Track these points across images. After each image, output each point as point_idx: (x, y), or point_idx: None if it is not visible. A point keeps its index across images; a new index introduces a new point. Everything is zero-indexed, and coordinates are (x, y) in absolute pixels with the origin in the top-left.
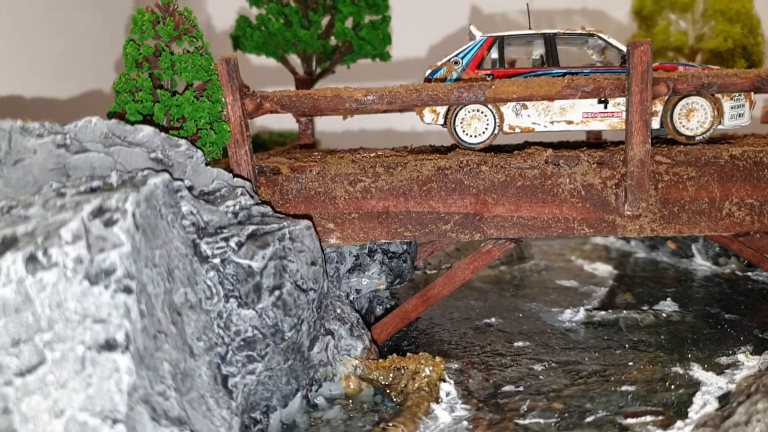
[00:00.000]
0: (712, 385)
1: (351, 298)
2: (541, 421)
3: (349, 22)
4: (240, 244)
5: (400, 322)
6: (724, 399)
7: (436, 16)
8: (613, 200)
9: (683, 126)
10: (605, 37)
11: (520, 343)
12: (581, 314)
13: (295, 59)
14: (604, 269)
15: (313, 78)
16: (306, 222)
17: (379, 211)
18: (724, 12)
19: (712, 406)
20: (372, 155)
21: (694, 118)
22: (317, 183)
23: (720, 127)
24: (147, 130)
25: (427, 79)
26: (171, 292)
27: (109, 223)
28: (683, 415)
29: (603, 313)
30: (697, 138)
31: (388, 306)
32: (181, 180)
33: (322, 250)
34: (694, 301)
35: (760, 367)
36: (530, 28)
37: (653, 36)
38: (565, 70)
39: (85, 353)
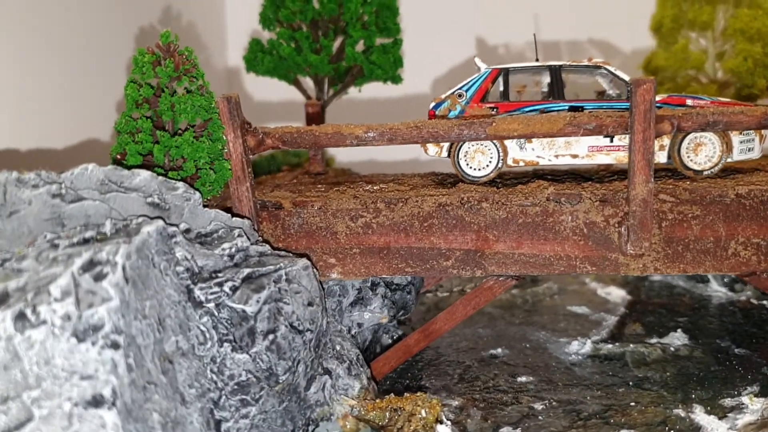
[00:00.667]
0: (712, 431)
1: (353, 332)
2: None
3: (361, 45)
4: (234, 289)
5: (402, 356)
6: None
7: (442, 47)
8: (616, 238)
9: (691, 160)
10: (611, 68)
11: (524, 378)
12: (588, 347)
13: (307, 81)
14: (617, 294)
15: (325, 101)
16: (303, 262)
17: (381, 246)
18: (745, 31)
19: None
20: (375, 188)
21: (702, 152)
22: (319, 218)
23: (729, 161)
24: (144, 175)
25: (431, 112)
26: (162, 342)
27: (98, 278)
28: None
29: (610, 346)
30: (705, 173)
31: (395, 335)
32: (176, 226)
33: (322, 287)
34: (705, 332)
35: (762, 413)
36: (537, 59)
37: (672, 55)
38: (569, 104)
39: (72, 410)
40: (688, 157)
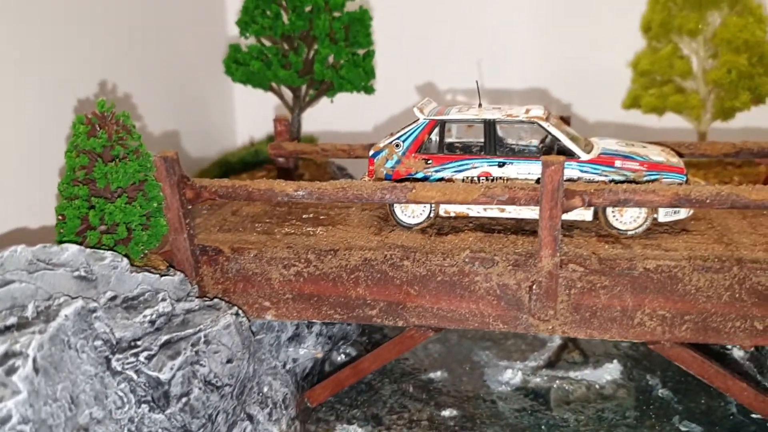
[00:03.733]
0: None
1: (288, 367)
2: None
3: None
4: (150, 357)
5: (335, 388)
6: None
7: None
8: (526, 301)
9: (617, 220)
10: (544, 125)
11: (447, 413)
12: (518, 377)
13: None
14: None
15: (301, 107)
16: (225, 321)
17: (311, 293)
18: (731, 41)
19: None
20: (316, 230)
21: (627, 213)
22: (254, 264)
23: (655, 221)
24: (72, 250)
25: (371, 159)
26: (75, 416)
27: (10, 372)
28: None
29: (538, 380)
30: (630, 233)
31: (346, 354)
32: (96, 301)
33: (253, 333)
34: (640, 366)
35: None
36: (480, 105)
37: (658, 60)
38: (500, 160)
39: None
40: (614, 216)
